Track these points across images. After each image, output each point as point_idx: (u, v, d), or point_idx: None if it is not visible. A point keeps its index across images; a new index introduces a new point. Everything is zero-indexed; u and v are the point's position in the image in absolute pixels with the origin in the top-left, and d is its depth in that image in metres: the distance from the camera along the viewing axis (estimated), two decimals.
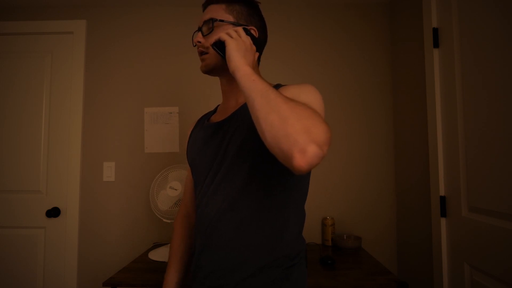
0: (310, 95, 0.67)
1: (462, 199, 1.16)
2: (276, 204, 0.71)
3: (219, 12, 0.76)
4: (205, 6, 0.80)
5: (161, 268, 1.32)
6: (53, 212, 1.70)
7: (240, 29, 0.68)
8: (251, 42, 0.68)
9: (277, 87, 0.77)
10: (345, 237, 1.64)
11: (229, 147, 0.72)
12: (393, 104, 1.79)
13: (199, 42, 0.76)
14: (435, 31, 1.31)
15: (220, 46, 0.68)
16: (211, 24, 0.75)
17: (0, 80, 1.80)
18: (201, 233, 0.74)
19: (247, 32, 0.70)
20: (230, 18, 0.76)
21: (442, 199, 1.27)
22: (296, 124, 0.49)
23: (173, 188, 1.46)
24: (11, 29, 1.81)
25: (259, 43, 0.73)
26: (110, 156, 1.80)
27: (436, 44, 1.31)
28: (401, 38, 1.68)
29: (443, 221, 1.26)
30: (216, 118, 0.85)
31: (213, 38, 0.68)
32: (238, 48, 0.63)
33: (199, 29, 0.78)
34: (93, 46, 1.85)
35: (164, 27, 1.85)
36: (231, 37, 0.66)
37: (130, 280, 1.19)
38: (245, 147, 0.70)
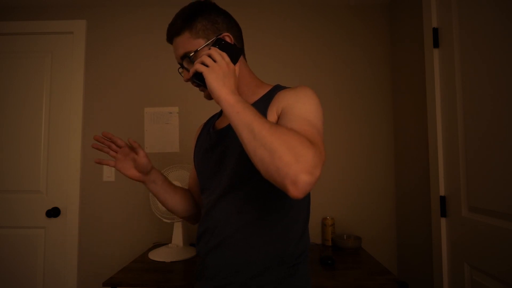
0: (306, 104, 0.67)
1: (462, 199, 1.15)
2: (280, 206, 0.72)
3: (186, 42, 0.74)
4: (170, 41, 0.79)
5: (161, 268, 1.32)
6: (53, 212, 1.70)
7: (213, 50, 0.65)
8: (228, 60, 0.65)
9: (275, 88, 0.78)
10: (345, 237, 1.64)
11: (232, 157, 0.73)
12: (393, 104, 1.79)
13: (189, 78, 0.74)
14: (435, 31, 1.31)
15: (199, 77, 0.66)
16: (189, 59, 0.74)
17: (0, 80, 1.80)
18: (208, 234, 0.76)
19: (222, 47, 0.67)
20: (201, 42, 0.73)
21: (442, 199, 1.27)
22: (284, 157, 0.51)
23: None
24: (11, 29, 1.81)
25: (238, 49, 0.71)
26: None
27: (436, 44, 1.31)
28: (401, 38, 1.68)
29: (443, 221, 1.26)
30: (220, 124, 0.85)
31: (191, 72, 0.65)
32: (216, 77, 0.61)
33: (182, 66, 0.77)
34: (93, 46, 1.85)
35: (164, 27, 1.82)
36: (207, 65, 0.63)
37: (130, 280, 1.19)
38: (245, 156, 0.69)
